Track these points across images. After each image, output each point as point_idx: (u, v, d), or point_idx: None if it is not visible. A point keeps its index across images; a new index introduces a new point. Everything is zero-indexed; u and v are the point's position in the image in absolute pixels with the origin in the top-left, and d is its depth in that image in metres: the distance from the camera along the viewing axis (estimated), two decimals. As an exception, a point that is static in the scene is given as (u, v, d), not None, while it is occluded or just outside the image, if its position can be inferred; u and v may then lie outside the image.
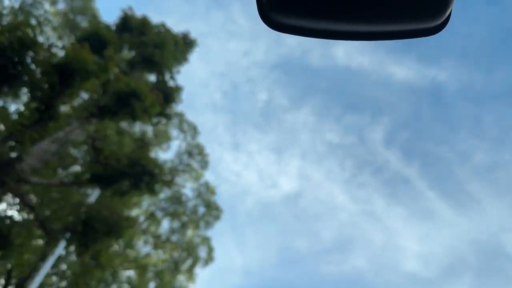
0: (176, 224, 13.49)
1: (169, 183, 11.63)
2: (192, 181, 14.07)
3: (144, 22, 13.15)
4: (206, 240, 13.37)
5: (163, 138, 14.22)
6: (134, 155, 9.82)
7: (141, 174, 9.33)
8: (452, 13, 0.71)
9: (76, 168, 11.59)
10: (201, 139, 14.76)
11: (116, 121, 10.47)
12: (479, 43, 18.33)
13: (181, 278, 12.97)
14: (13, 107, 9.22)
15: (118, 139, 11.49)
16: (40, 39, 8.45)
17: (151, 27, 13.18)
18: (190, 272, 13.01)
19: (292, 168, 19.37)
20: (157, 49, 12.76)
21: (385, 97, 19.00)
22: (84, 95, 10.82)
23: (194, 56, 19.32)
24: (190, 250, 13.12)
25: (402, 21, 0.69)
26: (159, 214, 13.54)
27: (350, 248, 18.95)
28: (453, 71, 18.60)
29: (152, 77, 13.49)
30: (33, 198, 9.96)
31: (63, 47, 10.12)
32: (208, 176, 14.88)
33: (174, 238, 13.29)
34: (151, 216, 13.42)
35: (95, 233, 8.81)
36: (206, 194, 14.03)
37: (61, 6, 13.42)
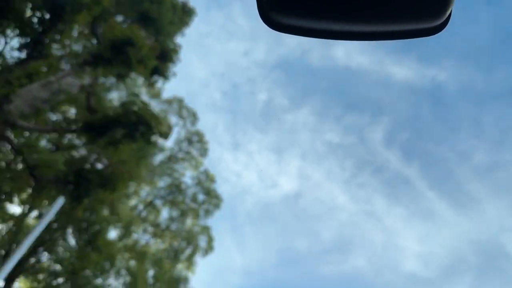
0: (175, 212, 13.61)
1: (165, 135, 11.29)
2: (192, 169, 14.14)
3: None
4: (206, 230, 13.50)
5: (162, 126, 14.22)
6: (129, 104, 9.59)
7: (136, 123, 9.09)
8: (452, 13, 0.73)
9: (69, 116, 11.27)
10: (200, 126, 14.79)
11: (110, 70, 10.07)
12: (479, 43, 18.52)
13: (180, 266, 13.15)
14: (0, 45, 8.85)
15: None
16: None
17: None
18: (189, 261, 13.17)
19: (292, 168, 19.67)
20: (154, 4, 12.18)
21: (385, 97, 19.19)
22: (77, 46, 10.50)
23: (194, 57, 19.50)
24: (189, 239, 13.25)
25: (402, 21, 0.71)
26: (158, 202, 13.65)
27: (350, 248, 19.35)
28: (453, 71, 18.78)
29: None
30: (21, 143, 9.68)
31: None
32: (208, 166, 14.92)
33: (173, 226, 13.42)
34: (150, 205, 13.52)
35: (88, 184, 8.54)
36: (206, 181, 14.11)
37: None
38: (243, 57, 19.32)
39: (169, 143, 14.37)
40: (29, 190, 9.72)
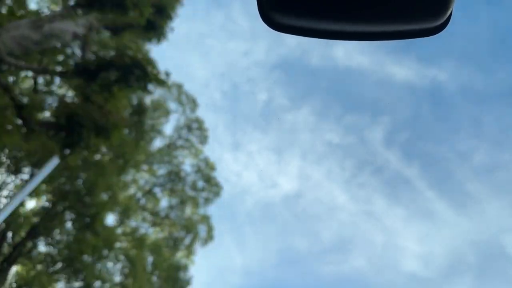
0: (174, 200, 13.72)
1: (162, 83, 10.90)
2: (192, 157, 14.20)
3: None
4: (205, 219, 13.62)
5: (161, 111, 14.23)
6: (124, 47, 9.28)
7: (131, 67, 8.87)
8: (452, 13, 0.74)
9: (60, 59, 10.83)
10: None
11: (104, 14, 9.73)
12: (479, 43, 18.55)
13: (180, 255, 13.30)
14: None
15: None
16: None
17: None
18: (189, 249, 13.32)
19: (292, 168, 19.74)
20: None
21: (385, 97, 19.27)
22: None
23: (194, 57, 19.55)
24: (189, 227, 13.38)
25: (402, 21, 0.72)
26: (157, 190, 13.74)
27: (350, 248, 19.58)
28: (453, 71, 18.73)
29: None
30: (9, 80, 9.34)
31: None
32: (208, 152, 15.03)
33: (173, 215, 13.54)
34: (149, 193, 13.61)
35: (81, 130, 8.32)
36: (205, 169, 14.19)
37: None
38: (243, 57, 19.41)
39: (168, 130, 14.42)
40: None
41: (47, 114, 9.64)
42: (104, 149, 10.27)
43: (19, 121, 9.03)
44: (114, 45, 9.50)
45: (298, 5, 0.69)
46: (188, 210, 13.69)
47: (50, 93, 10.04)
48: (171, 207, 13.61)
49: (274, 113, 19.22)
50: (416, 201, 19.05)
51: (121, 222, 12.23)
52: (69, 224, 11.13)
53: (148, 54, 10.09)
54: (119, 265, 11.77)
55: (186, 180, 13.91)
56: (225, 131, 19.20)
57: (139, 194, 13.51)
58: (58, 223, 10.98)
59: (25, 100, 9.39)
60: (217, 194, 14.13)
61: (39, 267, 11.01)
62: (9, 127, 8.75)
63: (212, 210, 13.87)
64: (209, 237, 13.49)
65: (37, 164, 9.24)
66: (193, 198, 13.71)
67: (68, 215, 11.05)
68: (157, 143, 14.11)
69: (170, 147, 14.09)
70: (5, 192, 10.48)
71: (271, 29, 0.72)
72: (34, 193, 11.19)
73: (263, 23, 0.72)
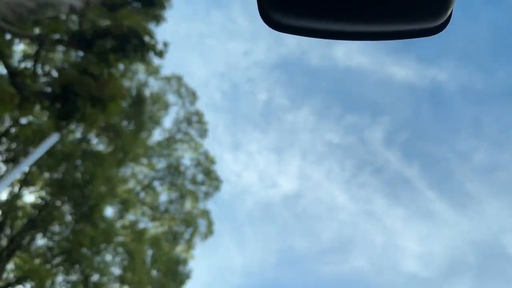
0: (174, 194, 13.74)
1: (160, 53, 10.62)
2: (191, 151, 14.20)
3: None
4: (205, 213, 13.66)
5: (160, 104, 14.22)
6: (121, 16, 9.00)
7: (128, 35, 8.68)
8: (453, 13, 0.74)
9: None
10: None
11: None
12: (479, 43, 18.70)
13: (179, 249, 13.35)
14: None
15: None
16: None
17: None
18: (189, 243, 13.37)
19: (292, 168, 19.93)
20: None
21: (385, 97, 19.39)
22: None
23: (194, 57, 19.58)
24: (189, 221, 13.41)
25: (402, 21, 0.73)
26: (156, 184, 13.76)
27: (350, 248, 19.82)
28: (453, 71, 18.92)
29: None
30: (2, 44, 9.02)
31: None
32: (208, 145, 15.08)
33: (172, 209, 13.57)
34: (149, 187, 13.64)
35: (76, 99, 8.07)
36: (205, 162, 14.20)
37: None
38: (243, 57, 19.50)
39: (167, 124, 14.42)
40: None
41: (42, 85, 9.37)
42: (101, 122, 9.85)
43: (13, 90, 8.75)
44: (112, 17, 9.24)
45: (298, 5, 0.70)
46: (188, 204, 13.74)
47: (45, 61, 9.85)
48: (170, 201, 13.66)
49: (274, 113, 19.36)
50: (416, 201, 19.22)
51: (120, 215, 12.26)
52: (67, 217, 11.17)
53: (146, 25, 9.83)
54: (118, 259, 11.82)
55: (185, 174, 13.95)
56: (225, 131, 19.31)
57: (138, 188, 13.55)
58: (56, 215, 11.02)
59: (19, 67, 9.19)
60: (217, 188, 14.16)
61: (37, 259, 11.06)
62: (3, 94, 8.50)
63: (212, 209, 13.99)
64: (209, 231, 13.55)
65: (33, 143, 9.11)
66: (193, 192, 13.74)
67: (67, 206, 11.09)
68: (157, 136, 14.14)
69: (170, 140, 14.11)
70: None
71: (271, 29, 0.73)
72: (32, 184, 11.24)
73: (263, 23, 0.73)
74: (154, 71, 13.93)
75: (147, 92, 13.17)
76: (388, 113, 18.92)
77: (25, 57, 9.82)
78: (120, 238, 12.04)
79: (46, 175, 11.28)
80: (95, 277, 11.35)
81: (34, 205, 11.24)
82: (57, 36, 9.88)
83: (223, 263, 18.45)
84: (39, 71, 9.01)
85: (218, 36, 19.91)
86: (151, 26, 11.55)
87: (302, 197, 19.87)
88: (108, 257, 11.72)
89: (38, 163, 10.47)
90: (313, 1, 0.69)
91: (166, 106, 14.20)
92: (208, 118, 15.14)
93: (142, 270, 11.83)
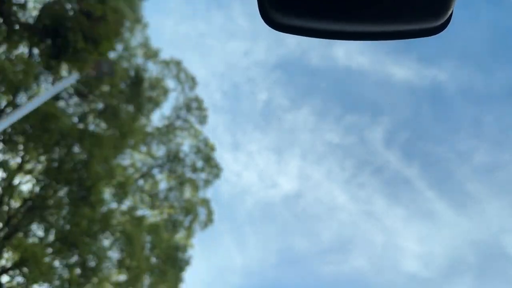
0: (173, 182, 13.78)
1: None
2: (191, 138, 14.21)
3: None
4: (205, 202, 13.72)
5: (159, 89, 14.18)
6: None
7: None
8: (453, 13, 0.75)
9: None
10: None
11: None
12: (479, 43, 18.79)
13: (179, 236, 13.44)
14: None
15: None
16: None
17: None
18: (188, 230, 13.45)
19: (292, 168, 20.21)
20: None
21: (385, 97, 19.37)
22: None
23: (194, 57, 19.47)
24: (188, 209, 13.47)
25: (403, 21, 0.74)
26: (155, 172, 13.80)
27: (350, 248, 20.26)
28: (453, 71, 19.06)
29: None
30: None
31: None
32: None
33: (171, 197, 13.62)
34: (148, 174, 13.68)
35: (67, 33, 7.63)
36: (205, 149, 14.21)
37: None
38: (243, 57, 19.47)
39: (167, 111, 14.40)
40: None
41: (32, 18, 8.86)
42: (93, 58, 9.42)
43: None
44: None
45: (298, 5, 0.71)
46: (188, 192, 13.79)
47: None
48: (170, 189, 13.71)
49: (274, 113, 19.47)
50: (416, 201, 19.45)
51: (119, 200, 12.26)
52: (65, 199, 11.20)
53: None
54: (116, 244, 11.88)
55: (185, 161, 13.97)
56: (225, 131, 19.37)
57: (137, 176, 13.58)
58: (53, 197, 11.07)
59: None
60: (216, 175, 14.20)
61: (35, 242, 11.15)
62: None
63: (212, 209, 14.02)
64: (209, 220, 13.62)
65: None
66: (192, 180, 13.78)
67: (64, 188, 11.11)
68: (156, 122, 14.13)
69: (169, 127, 14.10)
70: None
71: (271, 29, 0.74)
72: (29, 172, 11.28)
73: (263, 23, 0.74)
74: (152, 55, 13.88)
75: (145, 76, 13.16)
76: (388, 113, 19.05)
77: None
78: (119, 223, 12.10)
79: (42, 158, 11.30)
80: (93, 262, 11.44)
81: (31, 190, 11.30)
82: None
83: (223, 263, 18.71)
84: (29, 3, 8.52)
85: (218, 36, 19.94)
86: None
87: (302, 197, 20.12)
88: (106, 242, 11.81)
89: (34, 140, 10.51)
90: (313, 1, 0.70)
91: (165, 92, 14.15)
92: (208, 118, 15.20)
93: (141, 256, 11.92)
